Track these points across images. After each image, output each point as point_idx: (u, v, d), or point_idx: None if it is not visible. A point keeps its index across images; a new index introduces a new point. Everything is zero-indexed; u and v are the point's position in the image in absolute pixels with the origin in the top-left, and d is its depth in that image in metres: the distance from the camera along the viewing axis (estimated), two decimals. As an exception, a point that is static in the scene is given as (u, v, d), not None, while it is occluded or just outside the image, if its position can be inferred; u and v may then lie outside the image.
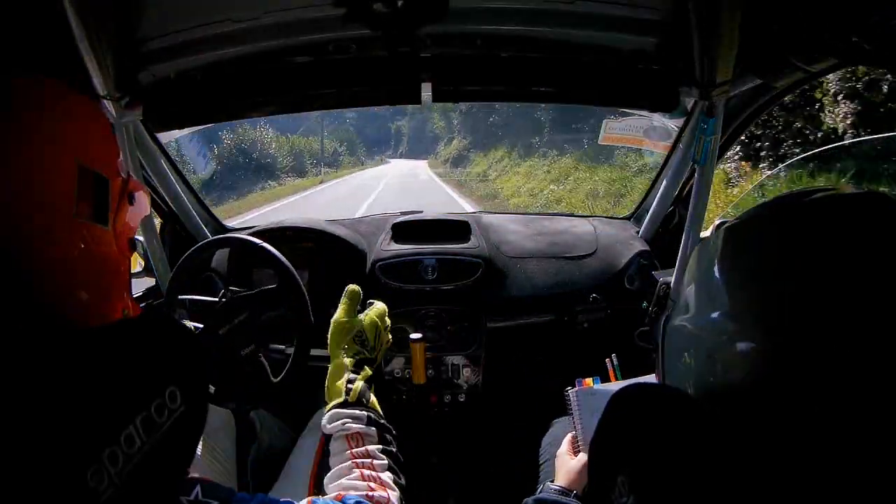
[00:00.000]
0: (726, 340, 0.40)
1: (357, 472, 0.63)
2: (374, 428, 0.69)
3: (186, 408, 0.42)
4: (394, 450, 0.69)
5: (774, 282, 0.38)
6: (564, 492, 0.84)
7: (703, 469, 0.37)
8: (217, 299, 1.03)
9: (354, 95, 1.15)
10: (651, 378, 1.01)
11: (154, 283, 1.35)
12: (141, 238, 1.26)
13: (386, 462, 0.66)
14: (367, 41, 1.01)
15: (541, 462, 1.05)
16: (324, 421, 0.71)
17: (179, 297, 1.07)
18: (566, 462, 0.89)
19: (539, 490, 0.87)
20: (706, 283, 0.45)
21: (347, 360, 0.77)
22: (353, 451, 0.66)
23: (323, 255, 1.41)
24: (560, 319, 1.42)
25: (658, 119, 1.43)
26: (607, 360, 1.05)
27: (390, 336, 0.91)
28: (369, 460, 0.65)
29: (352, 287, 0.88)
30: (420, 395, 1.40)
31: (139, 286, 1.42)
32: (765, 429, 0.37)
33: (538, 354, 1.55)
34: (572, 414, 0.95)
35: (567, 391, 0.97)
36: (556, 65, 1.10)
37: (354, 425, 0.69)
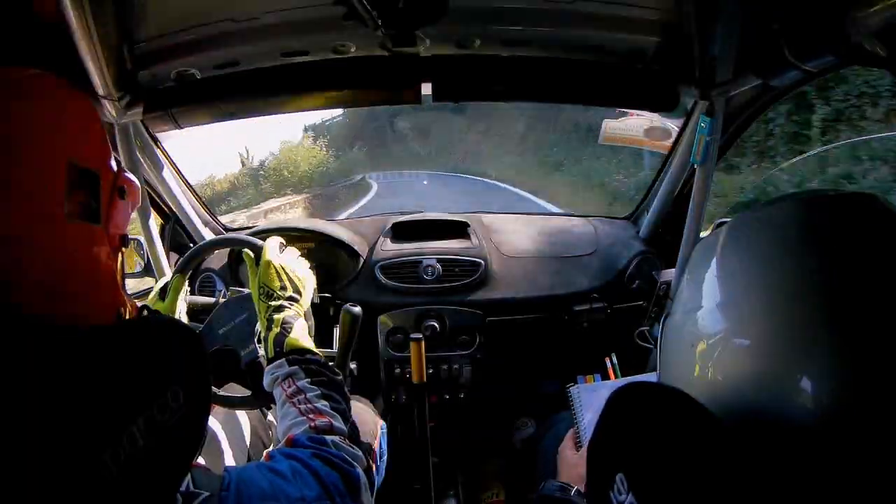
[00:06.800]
0: (722, 337, 0.40)
1: (294, 410, 0.65)
2: (296, 367, 0.70)
3: (189, 408, 0.42)
4: (325, 378, 0.70)
5: (782, 277, 0.38)
6: (565, 487, 0.84)
7: (702, 466, 0.37)
8: (217, 299, 1.03)
9: (354, 95, 1.15)
10: (650, 377, 1.01)
11: (154, 283, 1.36)
12: (141, 238, 1.26)
13: (318, 392, 0.67)
14: (367, 41, 1.01)
15: (541, 458, 1.05)
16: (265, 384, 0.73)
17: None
18: (568, 458, 0.89)
19: (542, 487, 0.87)
20: (704, 279, 0.46)
21: (262, 320, 0.79)
22: (287, 392, 0.68)
23: (323, 255, 1.41)
24: (560, 319, 1.42)
25: (658, 119, 1.43)
26: (606, 358, 1.06)
27: (305, 264, 0.86)
28: (302, 395, 0.66)
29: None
30: (420, 395, 1.40)
31: (139, 286, 1.42)
32: (764, 424, 0.37)
33: (538, 354, 1.55)
34: (574, 410, 0.95)
35: (569, 388, 0.97)
36: (556, 65, 1.10)
37: (279, 372, 0.70)
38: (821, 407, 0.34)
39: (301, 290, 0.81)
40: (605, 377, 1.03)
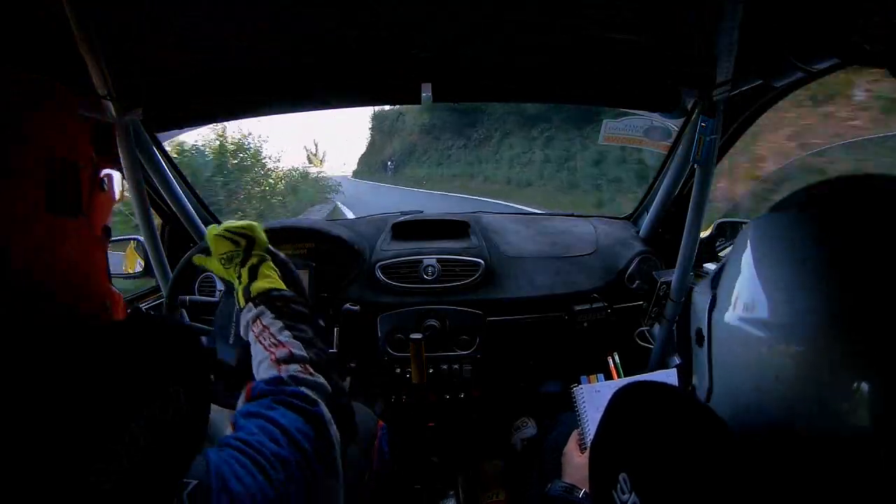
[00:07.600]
0: (773, 342, 0.39)
1: (260, 346, 0.66)
2: (261, 306, 0.71)
3: (190, 408, 0.42)
4: (290, 309, 0.71)
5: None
6: (570, 488, 0.84)
7: (704, 465, 0.37)
8: (217, 299, 1.03)
9: (354, 95, 1.15)
10: (654, 375, 1.02)
11: (154, 283, 1.36)
12: (141, 238, 1.26)
13: (280, 324, 0.68)
14: (366, 41, 1.01)
15: (544, 458, 1.05)
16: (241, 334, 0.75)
17: (179, 297, 1.07)
18: (573, 458, 0.89)
19: (548, 488, 0.88)
20: (746, 278, 0.43)
21: (234, 280, 0.80)
22: (255, 332, 0.69)
23: (323, 255, 1.42)
24: (560, 319, 1.42)
25: (658, 119, 1.43)
26: (609, 358, 1.06)
27: (246, 223, 0.86)
28: (266, 331, 0.68)
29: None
30: (420, 395, 1.41)
31: (139, 286, 1.42)
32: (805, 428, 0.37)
33: (538, 354, 1.55)
34: (578, 411, 0.96)
35: (573, 388, 0.98)
36: (557, 64, 1.09)
37: (248, 316, 0.72)
38: (868, 413, 0.33)
39: (250, 233, 0.83)
40: (609, 377, 1.03)
